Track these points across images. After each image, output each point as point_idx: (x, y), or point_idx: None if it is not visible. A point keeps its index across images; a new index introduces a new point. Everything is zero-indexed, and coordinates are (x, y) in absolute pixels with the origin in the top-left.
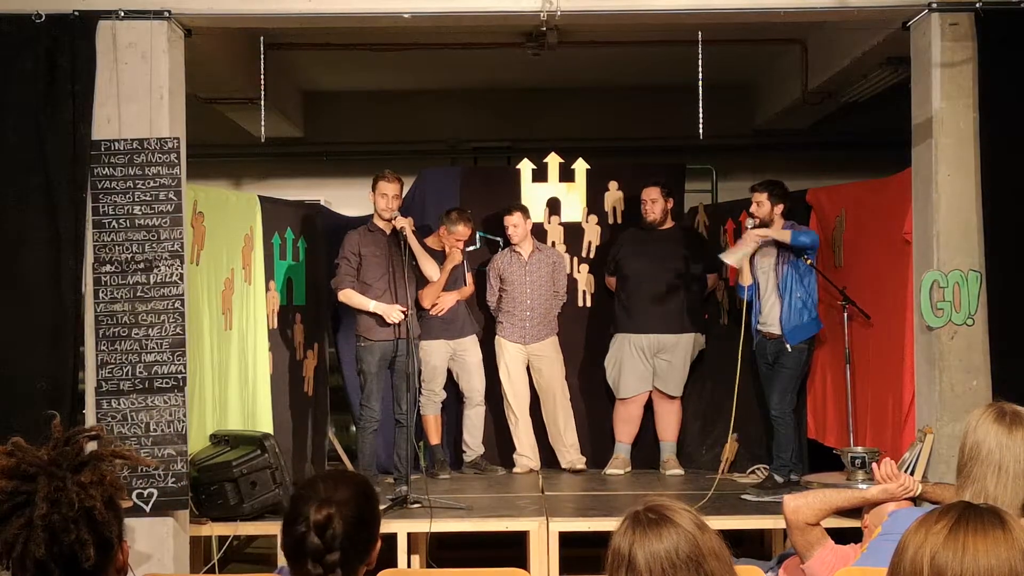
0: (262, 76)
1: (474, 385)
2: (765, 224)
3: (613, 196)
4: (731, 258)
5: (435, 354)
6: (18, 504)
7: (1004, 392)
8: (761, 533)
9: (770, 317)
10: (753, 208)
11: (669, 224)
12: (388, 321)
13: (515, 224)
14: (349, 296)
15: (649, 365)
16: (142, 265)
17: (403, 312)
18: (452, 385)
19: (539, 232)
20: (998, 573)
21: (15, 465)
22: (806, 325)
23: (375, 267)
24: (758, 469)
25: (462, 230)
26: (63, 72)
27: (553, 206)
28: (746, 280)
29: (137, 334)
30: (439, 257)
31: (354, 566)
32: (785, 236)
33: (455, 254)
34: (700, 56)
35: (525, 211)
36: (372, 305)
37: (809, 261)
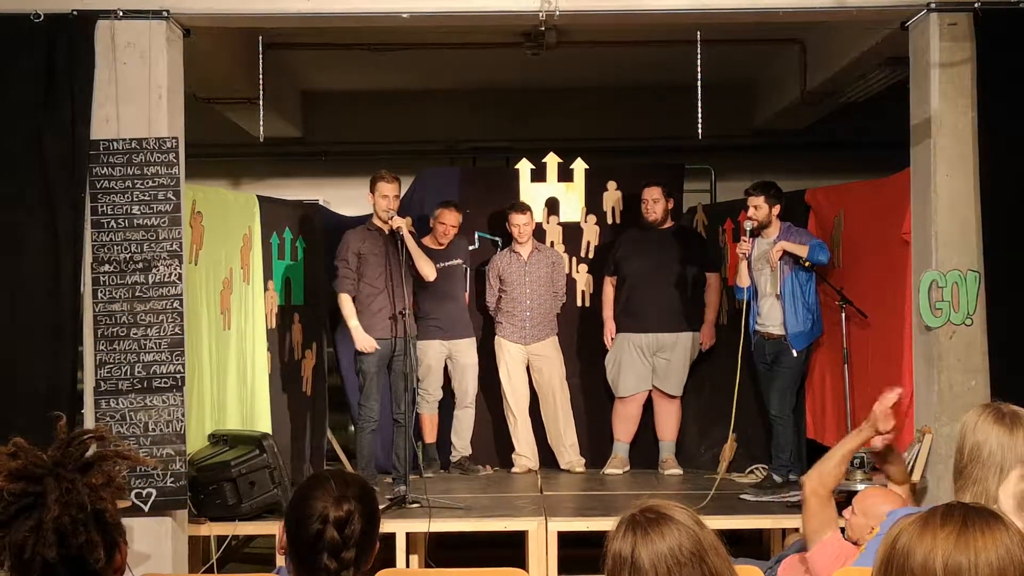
0: (260, 76)
1: (465, 387)
2: (764, 226)
3: (612, 196)
4: (772, 288)
5: (430, 354)
6: (26, 506)
7: (1002, 392)
8: (760, 533)
9: (770, 318)
10: (751, 212)
11: (669, 224)
12: (357, 347)
13: (526, 223)
14: (343, 302)
15: (648, 364)
16: (141, 265)
17: (375, 348)
18: (449, 386)
19: (538, 232)
20: (1007, 565)
21: (22, 467)
22: (810, 331)
23: (373, 267)
24: (757, 469)
25: (447, 214)
26: (62, 72)
27: (552, 206)
28: (744, 281)
29: (136, 334)
30: (437, 255)
31: (360, 566)
32: (802, 251)
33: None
34: (699, 56)
35: (531, 211)
36: (352, 324)
37: (808, 263)
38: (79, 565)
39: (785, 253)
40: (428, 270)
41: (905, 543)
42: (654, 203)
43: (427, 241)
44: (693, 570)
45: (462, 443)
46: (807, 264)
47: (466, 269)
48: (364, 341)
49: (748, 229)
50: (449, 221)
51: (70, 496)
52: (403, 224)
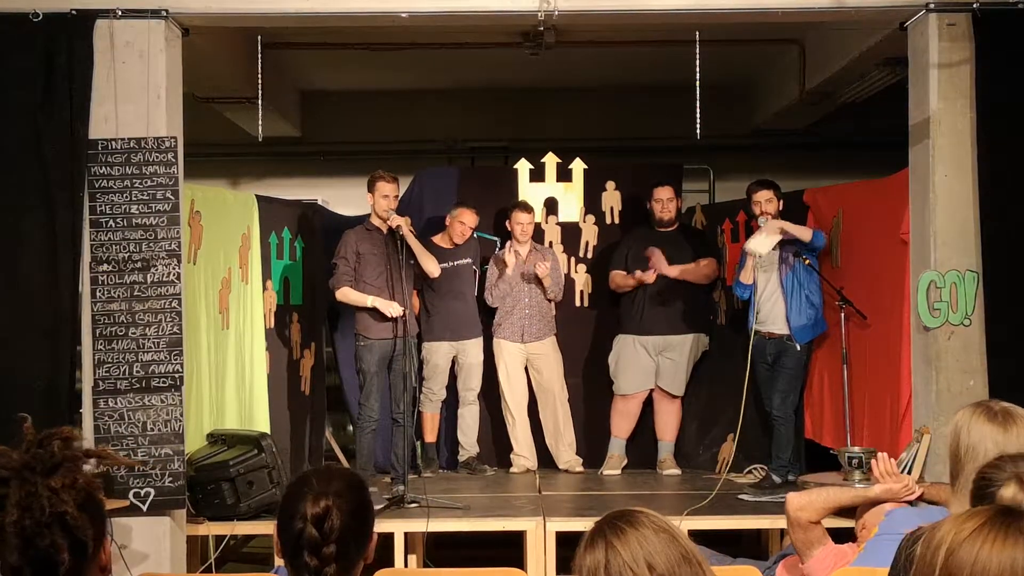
0: (259, 75)
1: (469, 384)
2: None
3: (611, 196)
4: (762, 247)
5: (439, 354)
6: None
7: (1001, 392)
8: (758, 533)
9: (771, 316)
10: (764, 205)
11: (675, 225)
12: (387, 315)
13: (529, 222)
14: (346, 294)
15: (653, 362)
16: (139, 264)
17: (402, 308)
18: (453, 384)
19: (537, 232)
20: None
21: None
22: (814, 324)
23: (373, 266)
24: (755, 469)
25: (467, 214)
26: (60, 71)
27: (550, 206)
28: (749, 278)
29: (134, 333)
30: (446, 254)
31: (352, 560)
32: (806, 235)
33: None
34: (698, 56)
35: (534, 211)
36: (370, 301)
37: (808, 262)
38: (46, 567)
39: (783, 249)
40: (432, 266)
41: (965, 553)
42: (668, 202)
43: (438, 240)
44: (668, 548)
45: (469, 442)
46: (807, 262)
47: (475, 270)
48: (388, 305)
49: (763, 225)
50: (468, 221)
51: (31, 499)
52: (403, 223)
